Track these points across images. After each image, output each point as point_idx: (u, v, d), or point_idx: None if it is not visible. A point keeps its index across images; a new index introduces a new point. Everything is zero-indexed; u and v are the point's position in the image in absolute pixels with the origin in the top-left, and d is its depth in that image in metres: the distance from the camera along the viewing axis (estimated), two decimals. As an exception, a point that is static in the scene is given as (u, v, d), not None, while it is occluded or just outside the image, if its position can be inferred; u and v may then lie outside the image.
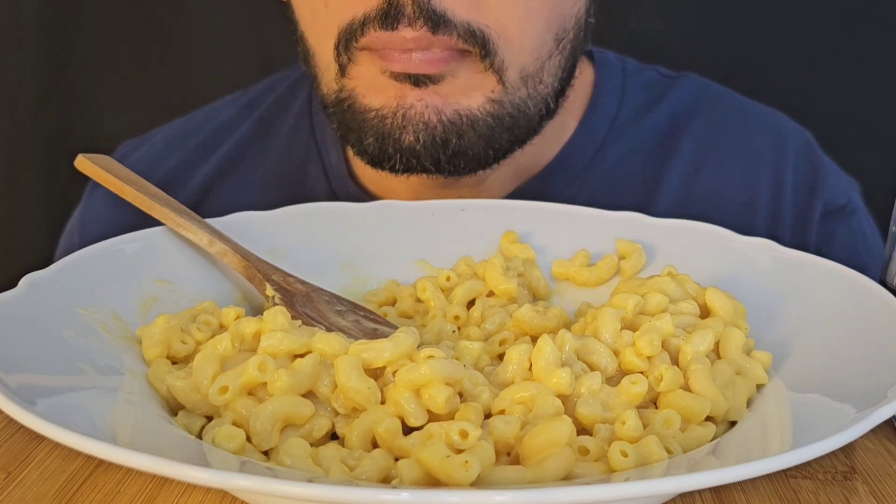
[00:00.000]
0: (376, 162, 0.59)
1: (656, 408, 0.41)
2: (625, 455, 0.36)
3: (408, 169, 0.58)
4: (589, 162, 0.68)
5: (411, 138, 0.56)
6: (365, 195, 0.68)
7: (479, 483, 0.34)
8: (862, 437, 0.37)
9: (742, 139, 0.70)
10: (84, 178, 0.57)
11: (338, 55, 0.56)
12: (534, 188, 0.66)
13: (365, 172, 0.68)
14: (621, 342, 0.43)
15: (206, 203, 0.71)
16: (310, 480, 0.34)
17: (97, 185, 0.56)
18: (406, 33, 0.54)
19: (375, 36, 0.55)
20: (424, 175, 0.60)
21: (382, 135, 0.57)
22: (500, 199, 0.64)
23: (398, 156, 0.57)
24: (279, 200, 0.65)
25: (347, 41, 0.56)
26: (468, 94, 0.57)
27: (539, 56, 0.59)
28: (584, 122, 0.69)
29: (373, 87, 0.57)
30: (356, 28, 0.55)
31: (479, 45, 0.55)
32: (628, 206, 0.56)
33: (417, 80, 0.56)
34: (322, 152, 0.70)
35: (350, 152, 0.68)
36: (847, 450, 0.42)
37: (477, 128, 0.58)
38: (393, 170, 0.59)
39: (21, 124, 1.00)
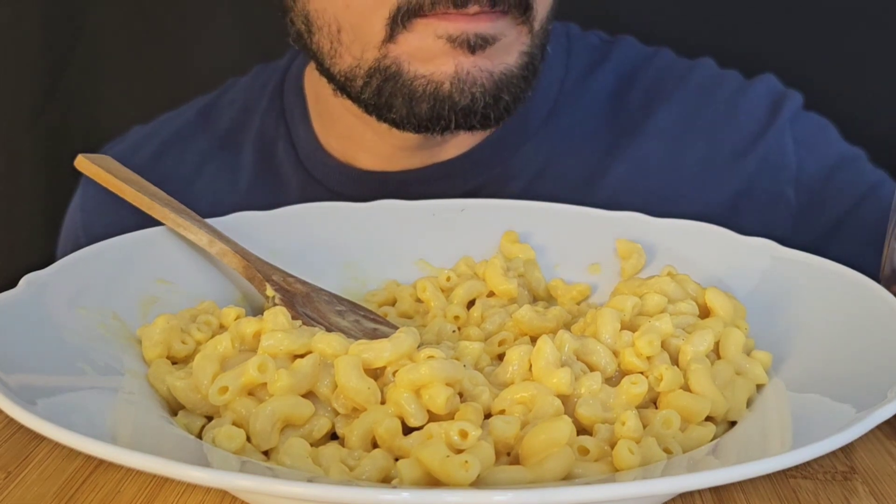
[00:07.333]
0: (424, 126, 0.62)
1: (656, 408, 0.41)
2: (632, 452, 0.36)
3: (458, 127, 0.62)
4: (544, 121, 0.72)
5: (468, 100, 0.60)
6: (331, 159, 0.72)
7: (478, 483, 0.34)
8: (862, 437, 0.37)
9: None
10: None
11: (392, 24, 0.59)
12: (492, 145, 0.70)
13: (331, 142, 0.72)
14: (621, 342, 0.43)
15: (197, 182, 0.74)
16: (310, 480, 0.34)
17: (89, 182, 0.57)
18: (471, 10, 0.58)
19: (442, 10, 0.58)
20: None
21: (437, 99, 0.60)
22: (491, 196, 0.64)
23: (453, 117, 0.61)
24: (254, 182, 0.72)
25: (409, 14, 0.58)
26: (509, 51, 0.61)
27: (553, 5, 0.64)
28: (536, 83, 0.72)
29: (420, 54, 0.60)
30: (426, 4, 0.58)
31: (523, 6, 0.60)
32: (586, 166, 0.64)
33: (474, 47, 0.59)
34: (290, 127, 0.74)
35: (318, 126, 0.73)
36: (847, 450, 0.42)
37: (515, 81, 0.62)
38: (441, 130, 0.62)
39: (21, 124, 1.00)
